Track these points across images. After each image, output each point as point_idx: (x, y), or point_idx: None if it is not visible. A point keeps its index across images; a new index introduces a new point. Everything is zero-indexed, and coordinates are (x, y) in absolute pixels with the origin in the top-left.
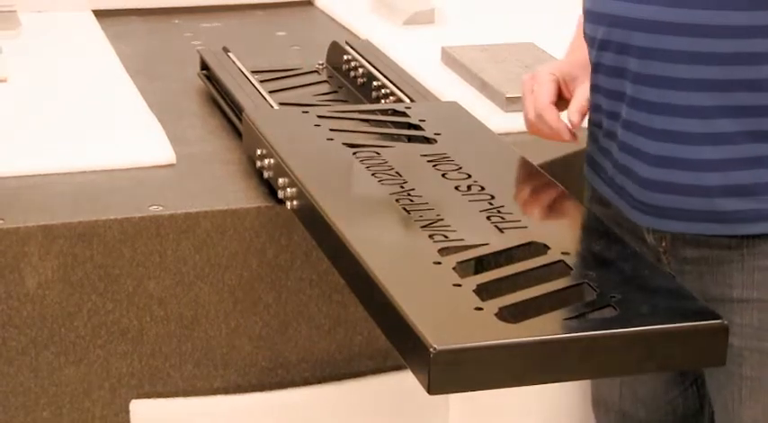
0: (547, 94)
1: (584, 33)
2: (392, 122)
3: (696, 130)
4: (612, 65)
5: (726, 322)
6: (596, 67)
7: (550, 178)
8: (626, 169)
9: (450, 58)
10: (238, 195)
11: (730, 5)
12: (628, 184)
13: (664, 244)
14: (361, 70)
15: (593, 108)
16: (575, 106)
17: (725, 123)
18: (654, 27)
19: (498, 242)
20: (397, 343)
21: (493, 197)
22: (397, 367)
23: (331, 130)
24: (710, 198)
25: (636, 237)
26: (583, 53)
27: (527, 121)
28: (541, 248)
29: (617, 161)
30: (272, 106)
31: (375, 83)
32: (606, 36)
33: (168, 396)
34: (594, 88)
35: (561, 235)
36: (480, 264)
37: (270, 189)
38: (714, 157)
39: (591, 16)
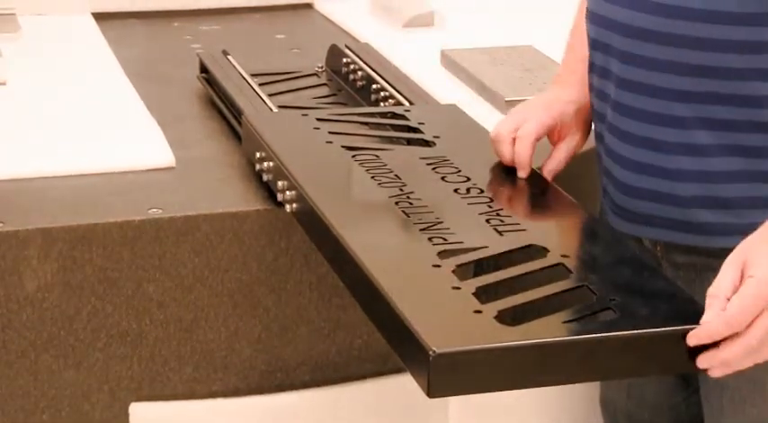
0: (526, 154)
1: (587, 34)
2: (391, 125)
3: (674, 139)
4: (601, 66)
5: None
6: (591, 67)
7: (549, 181)
8: (608, 173)
9: (449, 61)
10: (238, 198)
11: (710, 19)
12: (609, 187)
13: (659, 249)
14: (360, 73)
15: (591, 106)
16: (551, 165)
17: (703, 135)
18: (634, 33)
19: (497, 245)
20: (396, 346)
21: (492, 200)
22: (397, 370)
23: (330, 132)
24: (687, 208)
25: (635, 241)
26: (577, 85)
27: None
28: (541, 251)
29: (603, 165)
30: (271, 109)
31: (374, 86)
32: (597, 37)
33: (167, 399)
34: (590, 87)
35: (560, 238)
36: (479, 267)
37: (269, 192)
38: (692, 168)
39: (588, 16)
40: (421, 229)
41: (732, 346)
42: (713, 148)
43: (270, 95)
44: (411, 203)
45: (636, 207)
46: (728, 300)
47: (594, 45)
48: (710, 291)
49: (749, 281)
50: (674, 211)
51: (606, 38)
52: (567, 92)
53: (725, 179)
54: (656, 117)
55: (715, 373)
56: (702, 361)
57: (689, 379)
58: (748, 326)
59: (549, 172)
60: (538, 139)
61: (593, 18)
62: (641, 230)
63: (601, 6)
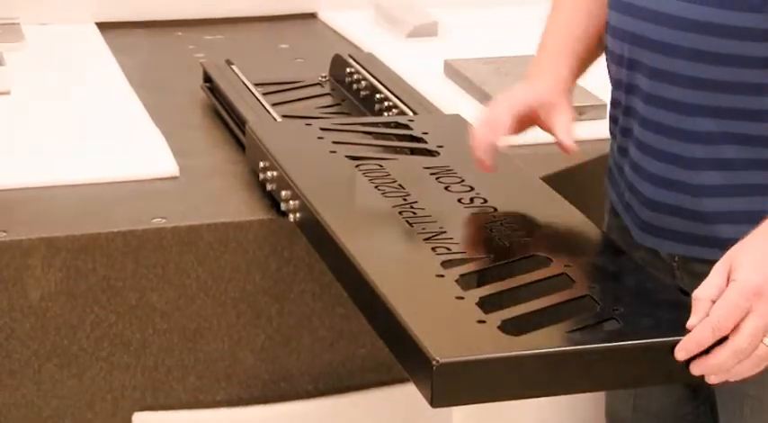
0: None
1: (606, 48)
2: (395, 135)
3: (701, 155)
4: (628, 82)
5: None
6: (617, 83)
7: (553, 191)
8: (633, 188)
9: (452, 71)
10: (241, 208)
11: (734, 34)
12: (634, 202)
13: (677, 259)
14: (363, 83)
15: (612, 119)
16: (563, 128)
17: (730, 150)
18: (662, 49)
19: (501, 255)
20: (399, 356)
21: (495, 210)
22: (400, 380)
23: (334, 142)
24: (712, 224)
25: (650, 251)
26: (555, 76)
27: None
28: (544, 261)
29: (627, 178)
30: (275, 119)
31: (378, 96)
32: (624, 53)
33: (171, 409)
34: (614, 103)
35: (564, 247)
36: (483, 276)
37: (273, 202)
38: (718, 182)
39: (613, 32)
40: (424, 239)
41: (722, 351)
42: (742, 163)
43: (273, 105)
44: (414, 213)
45: (660, 222)
46: (713, 303)
47: (620, 61)
48: (695, 293)
49: (732, 284)
50: (700, 226)
51: (635, 54)
52: (538, 82)
53: (753, 193)
54: (683, 133)
55: (712, 380)
56: (696, 368)
57: (697, 390)
58: (735, 329)
59: (565, 134)
60: (514, 113)
61: (619, 34)
62: (663, 245)
63: (628, 23)
